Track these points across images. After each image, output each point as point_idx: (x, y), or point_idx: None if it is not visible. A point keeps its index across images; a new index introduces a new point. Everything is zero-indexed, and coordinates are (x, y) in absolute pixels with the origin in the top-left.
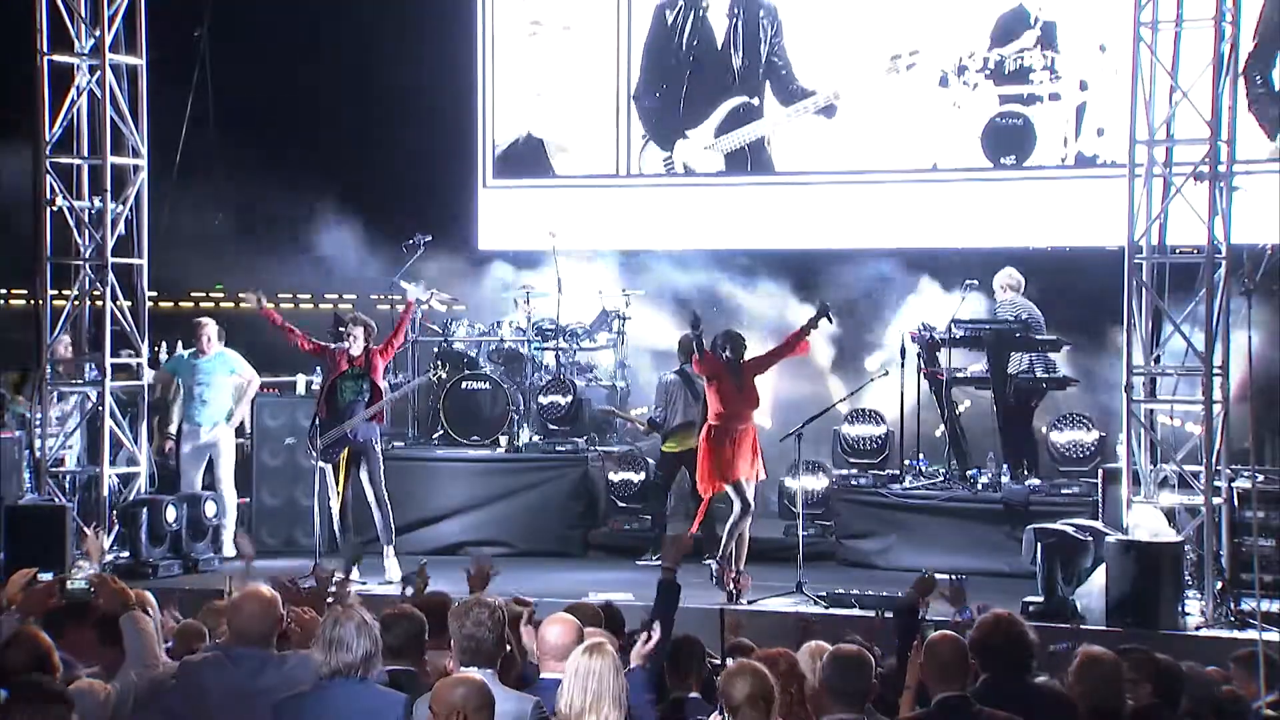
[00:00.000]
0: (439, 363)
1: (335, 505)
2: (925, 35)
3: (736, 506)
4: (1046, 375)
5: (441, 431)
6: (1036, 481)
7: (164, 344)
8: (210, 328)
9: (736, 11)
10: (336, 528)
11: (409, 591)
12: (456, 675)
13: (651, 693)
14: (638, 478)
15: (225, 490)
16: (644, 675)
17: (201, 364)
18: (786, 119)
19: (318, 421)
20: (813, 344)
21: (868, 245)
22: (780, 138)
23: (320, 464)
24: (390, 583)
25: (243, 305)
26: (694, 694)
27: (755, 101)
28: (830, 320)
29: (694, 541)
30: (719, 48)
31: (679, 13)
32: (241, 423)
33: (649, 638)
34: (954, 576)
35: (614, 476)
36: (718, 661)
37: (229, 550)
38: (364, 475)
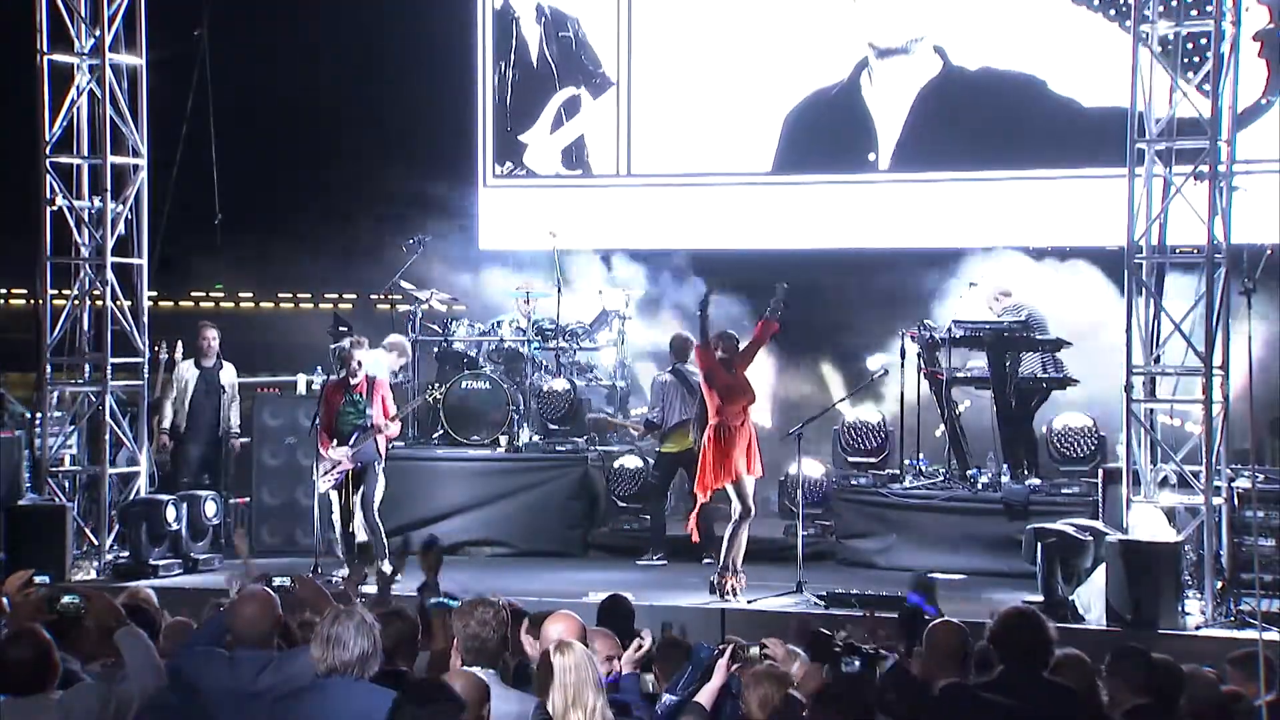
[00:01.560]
0: (434, 385)
1: (338, 519)
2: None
3: (736, 510)
4: (1047, 375)
5: (441, 431)
6: (1036, 481)
7: (164, 344)
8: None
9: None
10: (338, 535)
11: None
12: (458, 669)
13: (645, 698)
14: (639, 464)
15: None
16: (635, 680)
17: None
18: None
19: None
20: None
21: (868, 245)
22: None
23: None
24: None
25: (242, 305)
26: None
27: (579, 93)
28: (784, 304)
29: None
30: (536, 47)
31: (496, 20)
32: (242, 422)
33: (639, 645)
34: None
35: (619, 463)
36: None
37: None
38: (359, 496)
